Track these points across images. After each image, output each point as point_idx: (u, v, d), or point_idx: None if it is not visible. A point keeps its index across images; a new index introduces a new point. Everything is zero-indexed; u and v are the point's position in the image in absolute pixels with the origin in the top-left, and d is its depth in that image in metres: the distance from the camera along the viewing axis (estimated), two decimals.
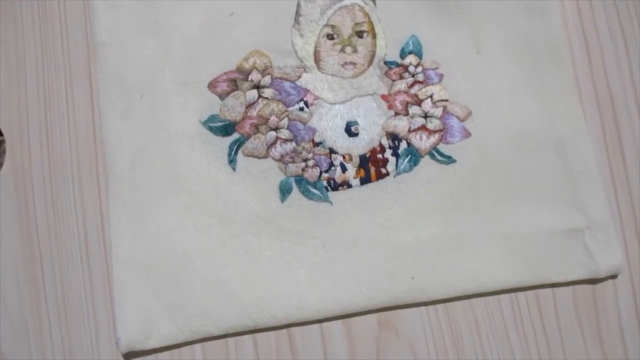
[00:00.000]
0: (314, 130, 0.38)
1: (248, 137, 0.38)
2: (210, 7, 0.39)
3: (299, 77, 0.38)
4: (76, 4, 0.40)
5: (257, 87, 0.38)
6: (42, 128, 0.39)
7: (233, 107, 0.38)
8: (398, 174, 0.37)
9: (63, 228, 0.38)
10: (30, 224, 0.38)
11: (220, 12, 0.39)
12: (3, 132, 0.39)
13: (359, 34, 0.39)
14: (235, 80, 0.38)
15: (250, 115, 0.38)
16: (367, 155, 0.38)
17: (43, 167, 0.38)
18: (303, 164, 0.37)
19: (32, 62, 0.39)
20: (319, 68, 0.38)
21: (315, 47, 0.39)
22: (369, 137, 0.38)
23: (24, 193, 0.38)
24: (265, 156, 0.38)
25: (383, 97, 0.38)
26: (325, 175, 0.37)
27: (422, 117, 0.38)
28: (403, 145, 0.38)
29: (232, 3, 0.39)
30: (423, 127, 0.38)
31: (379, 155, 0.38)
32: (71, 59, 0.39)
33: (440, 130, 0.38)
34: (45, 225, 0.38)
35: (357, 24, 0.39)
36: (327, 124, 0.38)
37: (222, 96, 0.38)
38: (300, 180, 0.37)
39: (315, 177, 0.37)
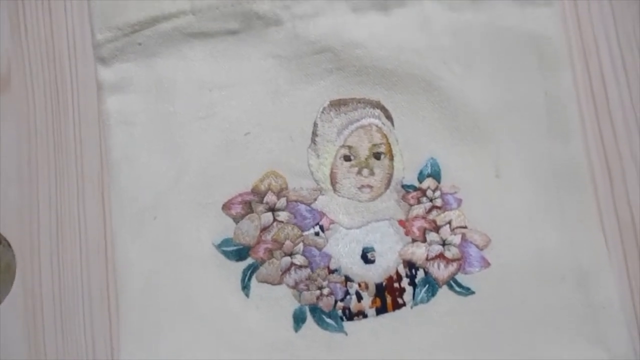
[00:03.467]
0: (329, 257, 0.37)
1: (262, 262, 0.37)
2: (226, 126, 0.38)
3: (315, 199, 0.38)
4: (91, 120, 0.39)
5: (272, 209, 0.37)
6: (54, 246, 0.38)
7: (247, 231, 0.37)
8: (415, 304, 0.37)
9: (71, 349, 0.37)
10: (38, 345, 0.37)
11: (236, 131, 0.38)
12: (13, 247, 0.38)
13: (376, 156, 0.38)
14: (250, 202, 0.37)
15: (265, 240, 0.37)
16: (384, 284, 0.37)
17: (53, 286, 0.38)
18: (318, 292, 0.37)
19: (45, 177, 0.39)
20: (335, 190, 0.38)
21: (332, 168, 0.38)
22: (386, 264, 0.37)
23: (33, 314, 0.38)
24: (280, 282, 0.37)
25: (400, 222, 0.37)
26: (340, 304, 0.37)
27: (440, 244, 0.37)
28: (420, 274, 0.37)
29: (248, 122, 0.38)
30: (441, 255, 0.37)
31: (396, 284, 0.37)
32: (84, 175, 0.39)
33: (459, 259, 0.37)
34: (54, 346, 0.37)
35: (374, 145, 0.38)
36: (343, 250, 0.37)
37: (236, 219, 0.37)
38: (314, 309, 0.37)
39: (330, 306, 0.37)
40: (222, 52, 0.39)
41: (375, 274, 0.37)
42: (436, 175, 0.38)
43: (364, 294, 0.37)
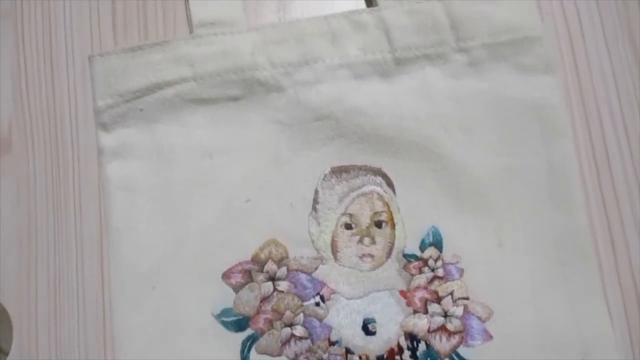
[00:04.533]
0: (330, 328, 0.37)
1: (262, 333, 0.37)
2: (227, 193, 0.38)
3: (316, 268, 0.37)
4: (91, 186, 0.39)
5: (273, 279, 0.37)
6: (51, 314, 0.38)
7: (247, 301, 0.37)
8: None
9: None
10: None
11: (236, 198, 0.38)
12: (10, 315, 0.38)
13: (378, 224, 0.38)
14: (250, 271, 0.37)
15: (265, 310, 0.37)
16: (385, 356, 0.36)
17: (50, 355, 0.37)
18: None
19: (44, 243, 0.39)
20: (336, 259, 0.37)
21: (333, 236, 0.38)
22: (387, 336, 0.36)
23: None
24: (280, 354, 0.36)
25: (402, 292, 0.37)
26: None
27: (442, 316, 0.37)
28: (422, 346, 0.36)
29: (248, 189, 0.38)
30: (443, 327, 0.36)
31: (397, 357, 0.36)
32: (84, 243, 0.39)
33: (461, 332, 0.36)
34: None
35: (375, 213, 0.38)
36: (344, 321, 0.37)
37: (236, 288, 0.37)
38: None
39: None
40: (224, 117, 0.39)
41: (376, 346, 0.36)
42: (438, 244, 0.38)
43: None
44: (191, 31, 0.40)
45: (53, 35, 0.41)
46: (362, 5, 0.42)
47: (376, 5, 0.40)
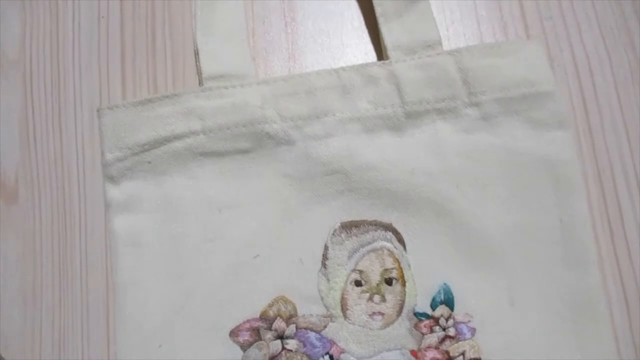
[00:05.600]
0: None
1: None
2: (235, 248, 0.38)
3: (325, 327, 0.37)
4: (97, 240, 0.39)
5: (281, 337, 0.36)
6: None
7: None
8: None
9: None
10: None
11: (245, 254, 0.38)
12: None
13: (388, 281, 0.37)
14: (259, 329, 0.37)
15: None
16: None
17: None
18: None
19: (49, 298, 0.38)
20: (345, 317, 0.37)
21: (342, 293, 0.37)
22: None
23: None
24: None
25: (412, 352, 0.36)
26: None
27: None
28: None
29: (257, 244, 0.38)
30: None
31: None
32: (89, 298, 0.38)
33: None
34: None
35: (386, 269, 0.37)
36: None
37: (244, 346, 0.36)
38: None
39: None
40: (233, 171, 0.39)
41: None
42: (449, 302, 0.37)
43: None
44: (200, 83, 0.39)
45: (62, 86, 0.41)
46: (373, 57, 0.42)
47: (387, 58, 0.40)
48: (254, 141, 0.38)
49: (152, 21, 0.42)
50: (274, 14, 0.43)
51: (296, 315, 0.37)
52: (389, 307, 0.37)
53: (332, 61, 0.42)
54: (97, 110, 0.38)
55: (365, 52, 0.42)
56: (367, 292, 0.37)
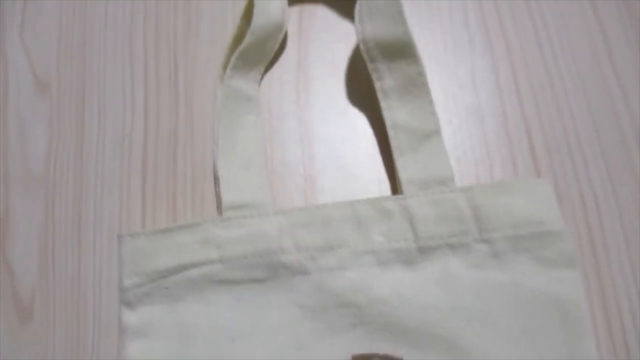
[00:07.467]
0: None
1: None
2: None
3: None
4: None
5: None
6: None
7: None
8: None
9: None
10: None
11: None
12: None
13: None
14: None
15: None
16: None
17: None
18: None
19: None
20: None
21: None
22: None
23: None
24: None
25: None
26: None
27: None
28: None
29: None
30: None
31: None
32: None
33: None
34: None
35: None
36: None
37: None
38: None
39: None
40: (247, 299, 0.39)
41: None
42: None
43: None
44: (219, 210, 0.40)
45: (83, 207, 0.42)
46: (387, 185, 0.43)
47: (401, 191, 0.41)
48: (269, 271, 0.39)
49: (175, 141, 0.43)
50: (291, 138, 0.44)
51: None
52: None
53: (346, 187, 0.43)
54: (118, 237, 0.39)
55: (379, 180, 0.43)
56: None
